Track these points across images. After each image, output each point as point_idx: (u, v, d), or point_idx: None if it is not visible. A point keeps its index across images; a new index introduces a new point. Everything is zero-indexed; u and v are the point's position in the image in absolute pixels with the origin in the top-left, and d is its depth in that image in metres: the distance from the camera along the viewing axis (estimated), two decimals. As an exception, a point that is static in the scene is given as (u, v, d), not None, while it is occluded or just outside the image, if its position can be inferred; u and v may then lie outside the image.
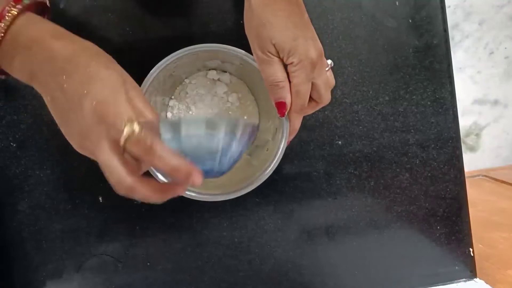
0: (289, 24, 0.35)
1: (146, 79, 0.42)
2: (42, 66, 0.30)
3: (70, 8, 0.50)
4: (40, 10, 0.34)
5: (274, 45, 0.36)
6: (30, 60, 0.30)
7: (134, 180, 0.27)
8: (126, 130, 0.27)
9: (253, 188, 0.43)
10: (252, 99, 0.52)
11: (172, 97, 0.52)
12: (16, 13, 0.30)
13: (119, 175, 0.27)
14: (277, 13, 0.35)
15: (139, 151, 0.27)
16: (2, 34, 0.29)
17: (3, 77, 0.33)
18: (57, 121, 0.31)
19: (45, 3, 0.35)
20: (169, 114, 0.52)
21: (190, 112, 0.52)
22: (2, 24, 0.29)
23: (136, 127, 0.27)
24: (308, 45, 0.36)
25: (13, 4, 0.30)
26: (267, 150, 0.48)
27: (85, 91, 0.29)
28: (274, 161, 0.43)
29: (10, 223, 0.53)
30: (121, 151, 0.27)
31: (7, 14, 0.29)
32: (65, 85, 0.29)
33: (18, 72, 0.31)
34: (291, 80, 0.37)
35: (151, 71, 0.42)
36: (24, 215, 0.53)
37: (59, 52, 0.30)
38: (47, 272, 0.54)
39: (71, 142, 0.31)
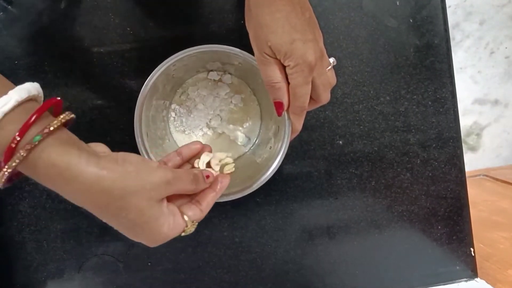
0: (286, 26, 0.34)
1: (146, 83, 0.42)
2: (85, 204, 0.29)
3: (70, 8, 0.50)
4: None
5: (270, 47, 0.35)
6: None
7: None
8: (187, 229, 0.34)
9: (258, 187, 0.43)
10: (253, 99, 0.52)
11: (173, 99, 0.52)
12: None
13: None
14: (274, 14, 0.34)
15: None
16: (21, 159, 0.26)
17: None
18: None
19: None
20: (171, 119, 0.52)
21: (192, 116, 0.52)
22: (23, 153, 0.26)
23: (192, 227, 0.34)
24: (306, 48, 0.35)
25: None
26: (270, 148, 0.48)
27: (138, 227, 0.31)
28: (277, 160, 0.43)
29: (11, 223, 0.53)
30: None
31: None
32: (104, 220, 0.30)
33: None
34: (289, 81, 0.37)
35: (150, 75, 0.42)
36: (25, 215, 0.53)
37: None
38: (48, 272, 0.54)
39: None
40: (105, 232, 0.53)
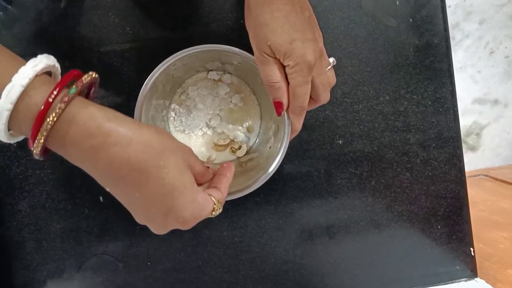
0: (285, 26, 0.34)
1: (145, 82, 0.42)
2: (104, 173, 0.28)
3: (70, 8, 0.50)
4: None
5: (269, 46, 0.35)
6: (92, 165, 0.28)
7: None
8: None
9: (257, 187, 0.43)
10: (253, 99, 0.52)
11: (173, 99, 0.52)
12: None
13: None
14: (274, 13, 0.34)
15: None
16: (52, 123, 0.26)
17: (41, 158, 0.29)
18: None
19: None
20: (171, 119, 0.52)
21: (191, 115, 0.52)
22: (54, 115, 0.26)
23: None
24: (305, 48, 0.35)
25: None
26: (269, 148, 0.48)
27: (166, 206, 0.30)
28: (277, 160, 0.43)
29: (10, 222, 0.53)
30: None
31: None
32: (137, 194, 0.29)
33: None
34: (288, 81, 0.37)
35: (150, 74, 0.42)
36: (25, 214, 0.53)
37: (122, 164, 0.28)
38: (47, 271, 0.54)
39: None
40: (105, 231, 0.53)
